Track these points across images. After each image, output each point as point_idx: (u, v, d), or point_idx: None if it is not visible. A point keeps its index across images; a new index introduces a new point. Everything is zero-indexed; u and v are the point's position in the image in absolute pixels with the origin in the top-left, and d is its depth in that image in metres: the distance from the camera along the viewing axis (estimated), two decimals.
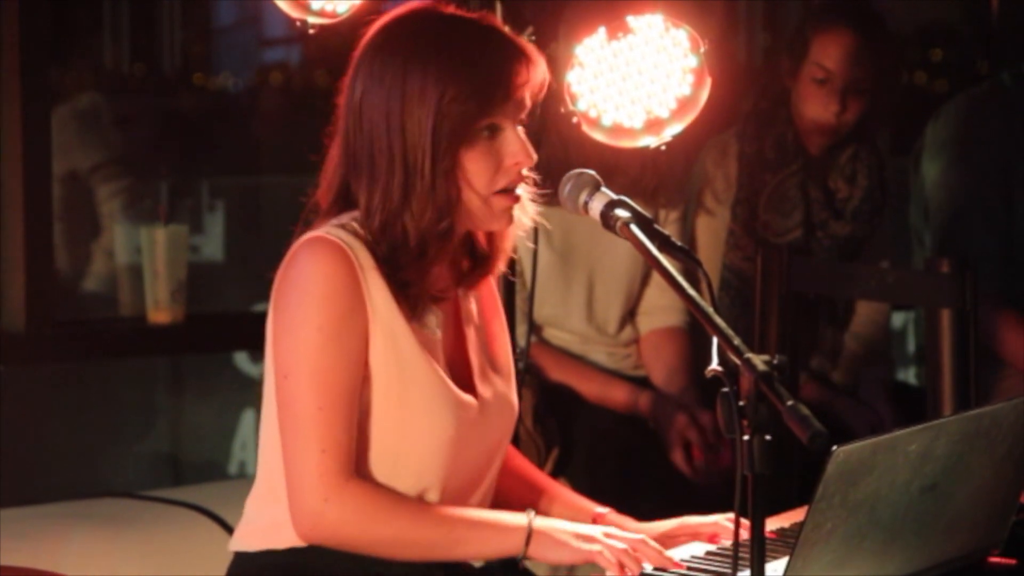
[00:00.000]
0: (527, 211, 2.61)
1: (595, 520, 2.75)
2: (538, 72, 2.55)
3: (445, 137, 2.48)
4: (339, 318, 2.47)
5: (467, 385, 2.62)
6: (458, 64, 2.49)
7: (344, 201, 2.57)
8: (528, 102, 2.55)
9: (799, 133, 4.28)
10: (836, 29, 4.20)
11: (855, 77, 4.19)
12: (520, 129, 2.55)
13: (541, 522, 2.51)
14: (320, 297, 2.46)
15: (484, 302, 2.74)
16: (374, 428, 2.53)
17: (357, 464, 2.52)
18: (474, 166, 2.51)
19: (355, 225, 2.53)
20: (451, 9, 2.61)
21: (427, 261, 2.53)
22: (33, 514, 3.75)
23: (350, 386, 2.48)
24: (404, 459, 2.54)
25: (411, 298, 2.54)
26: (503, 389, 2.69)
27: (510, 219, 2.58)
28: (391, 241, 2.51)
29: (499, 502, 2.75)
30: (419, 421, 2.53)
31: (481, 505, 2.66)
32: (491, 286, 2.75)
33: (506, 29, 2.59)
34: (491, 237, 2.66)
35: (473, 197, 2.52)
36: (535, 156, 2.55)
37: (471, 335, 2.67)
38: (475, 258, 2.66)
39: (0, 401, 4.55)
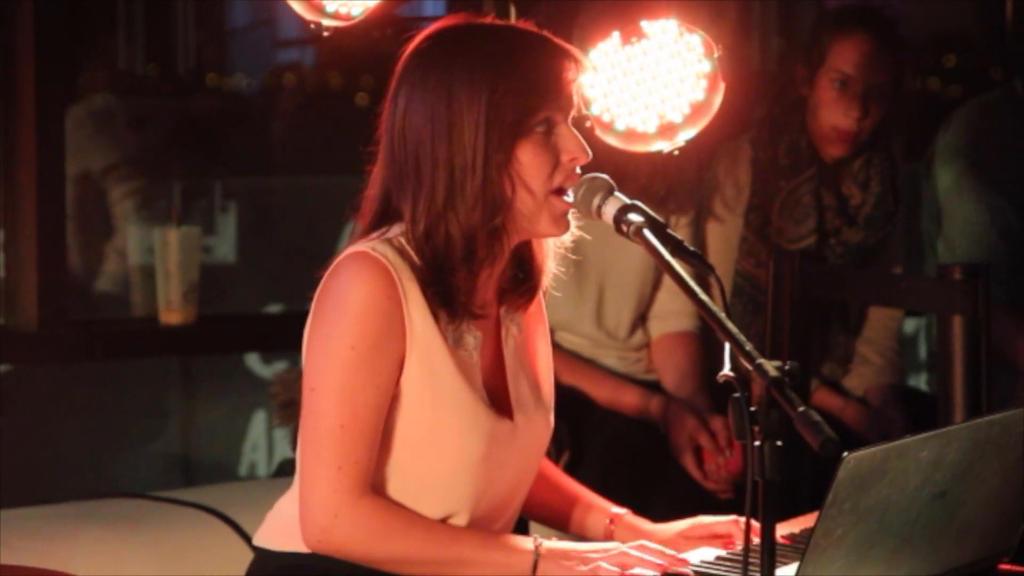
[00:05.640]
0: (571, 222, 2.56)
1: (611, 521, 2.75)
2: (583, 71, 2.54)
3: (499, 131, 2.45)
4: (373, 338, 2.44)
5: (503, 407, 2.59)
6: (507, 61, 2.47)
7: (386, 217, 2.53)
8: (575, 100, 2.53)
9: (813, 139, 4.27)
10: (854, 35, 4.18)
11: (874, 82, 4.18)
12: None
13: (549, 546, 2.48)
14: (357, 315, 2.44)
15: (529, 319, 2.69)
16: (403, 449, 2.51)
17: (384, 485, 2.51)
18: (531, 161, 2.47)
19: (401, 240, 2.49)
20: (489, 18, 2.60)
21: (476, 263, 2.49)
22: (43, 514, 3.75)
23: (376, 406, 2.46)
24: (432, 481, 2.52)
25: (454, 310, 2.50)
26: (540, 411, 2.66)
27: (567, 224, 2.54)
28: (435, 247, 2.47)
29: (531, 510, 2.74)
30: (450, 444, 2.51)
31: (505, 529, 2.63)
32: (539, 303, 2.70)
33: (548, 33, 2.57)
34: (535, 254, 2.62)
35: (527, 198, 2.48)
36: (591, 154, 2.52)
37: (511, 355, 2.63)
38: (521, 276, 2.61)
39: (11, 400, 4.56)
